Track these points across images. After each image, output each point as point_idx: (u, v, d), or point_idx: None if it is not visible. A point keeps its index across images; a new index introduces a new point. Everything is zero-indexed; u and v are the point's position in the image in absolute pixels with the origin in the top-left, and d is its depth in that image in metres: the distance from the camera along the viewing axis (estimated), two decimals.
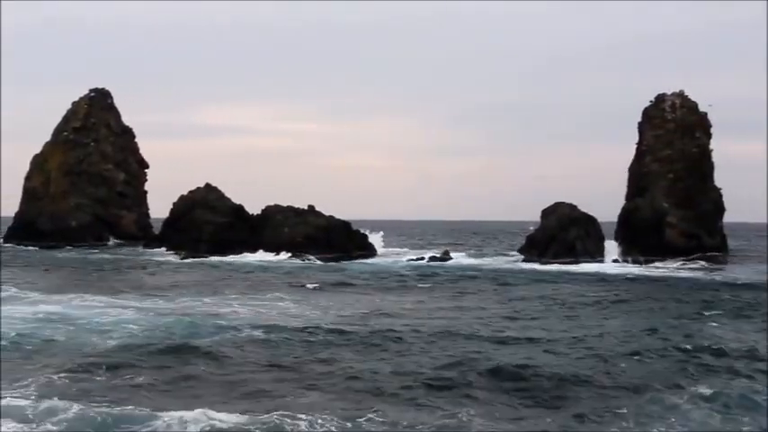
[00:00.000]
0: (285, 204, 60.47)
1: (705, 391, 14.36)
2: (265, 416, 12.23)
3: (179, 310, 24.82)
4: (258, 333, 20.25)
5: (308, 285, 35.07)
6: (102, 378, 14.94)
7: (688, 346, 19.00)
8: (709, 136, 62.19)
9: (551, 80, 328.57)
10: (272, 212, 59.26)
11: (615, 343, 19.88)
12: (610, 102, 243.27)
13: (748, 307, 27.95)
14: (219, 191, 60.49)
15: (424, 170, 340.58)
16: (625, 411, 13.16)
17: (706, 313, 26.12)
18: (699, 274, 44.52)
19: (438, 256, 59.43)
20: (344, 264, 51.16)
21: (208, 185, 61.23)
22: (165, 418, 11.98)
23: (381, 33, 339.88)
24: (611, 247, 56.21)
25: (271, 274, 41.55)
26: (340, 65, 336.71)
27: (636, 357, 17.82)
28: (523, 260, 55.19)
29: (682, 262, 53.01)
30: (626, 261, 54.06)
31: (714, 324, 23.43)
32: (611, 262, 53.63)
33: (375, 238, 63.63)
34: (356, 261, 53.95)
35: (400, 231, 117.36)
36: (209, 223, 57.60)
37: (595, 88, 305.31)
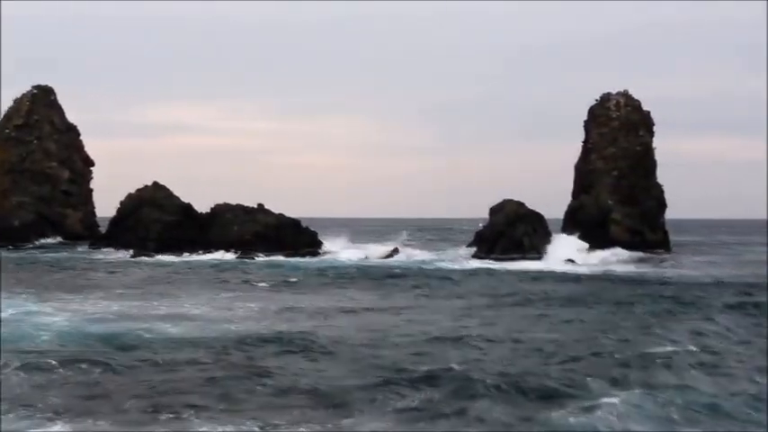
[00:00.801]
0: (234, 203, 60.27)
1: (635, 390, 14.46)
2: None
3: (107, 313, 23.98)
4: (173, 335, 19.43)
5: (257, 283, 34.85)
6: None
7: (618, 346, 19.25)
8: (652, 134, 63.75)
9: (508, 79, 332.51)
10: (221, 211, 58.94)
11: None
12: (566, 100, 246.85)
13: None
14: (168, 189, 59.89)
15: (377, 168, 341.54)
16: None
17: (638, 310, 26.33)
18: (642, 270, 45.54)
19: (389, 252, 59.82)
20: (294, 262, 51.01)
21: (156, 184, 60.58)
22: None
23: (333, 30, 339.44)
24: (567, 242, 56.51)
25: (213, 273, 40.89)
26: (289, 62, 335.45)
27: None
28: (472, 256, 55.85)
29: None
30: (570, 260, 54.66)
31: (653, 320, 23.53)
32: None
33: (330, 236, 63.71)
34: (305, 259, 53.92)
35: (354, 229, 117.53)
36: (157, 222, 57.04)
37: (550, 87, 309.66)
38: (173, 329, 20.66)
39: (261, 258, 52.86)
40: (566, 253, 52.40)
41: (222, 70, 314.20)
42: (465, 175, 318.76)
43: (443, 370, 15.68)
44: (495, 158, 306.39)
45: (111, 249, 58.05)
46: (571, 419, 12.33)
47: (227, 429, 11.74)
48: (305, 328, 21.38)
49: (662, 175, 63.90)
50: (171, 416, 12.44)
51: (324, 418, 12.56)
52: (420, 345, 18.98)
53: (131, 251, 54.33)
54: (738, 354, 18.27)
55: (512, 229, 56.91)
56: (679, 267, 47.16)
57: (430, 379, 14.93)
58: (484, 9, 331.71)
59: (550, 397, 13.75)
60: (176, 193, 60.28)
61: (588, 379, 14.95)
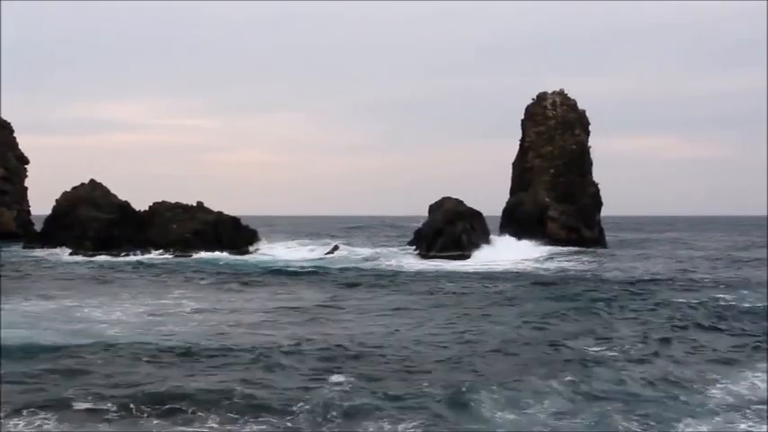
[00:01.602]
0: (174, 201, 59.84)
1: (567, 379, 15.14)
2: None
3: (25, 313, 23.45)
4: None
5: (200, 282, 34.76)
6: None
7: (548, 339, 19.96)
8: (587, 133, 64.95)
9: (450, 77, 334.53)
10: (159, 209, 58.41)
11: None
12: (505, 99, 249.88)
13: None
14: (105, 187, 59.15)
15: (317, 165, 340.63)
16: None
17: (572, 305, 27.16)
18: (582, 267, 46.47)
19: (329, 250, 60.03)
20: (232, 260, 50.79)
21: (92, 182, 59.77)
22: None
23: (275, 28, 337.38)
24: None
25: (146, 273, 40.22)
26: (229, 59, 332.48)
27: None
28: (410, 253, 56.33)
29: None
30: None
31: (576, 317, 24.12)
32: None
33: (270, 234, 63.54)
34: (243, 257, 53.77)
35: (293, 227, 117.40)
36: (94, 220, 56.25)
37: (491, 86, 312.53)
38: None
39: (198, 256, 52.58)
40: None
41: (154, 67, 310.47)
42: (406, 173, 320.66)
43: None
44: (437, 156, 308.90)
45: (44, 248, 57.10)
46: None
47: None
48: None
49: (597, 173, 65.29)
50: None
51: None
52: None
53: (69, 250, 53.62)
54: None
55: (451, 227, 57.56)
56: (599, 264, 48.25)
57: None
58: (430, 9, 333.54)
59: None
60: (114, 191, 59.68)
61: None
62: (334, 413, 12.64)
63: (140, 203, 60.03)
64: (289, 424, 12.27)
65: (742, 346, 19.22)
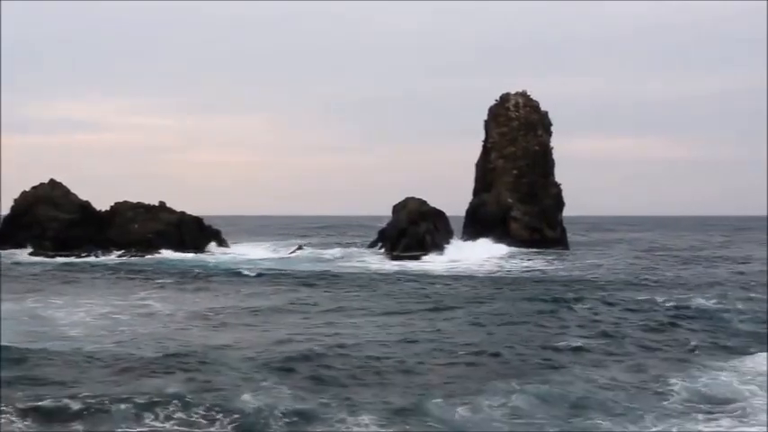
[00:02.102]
0: (136, 201, 59.45)
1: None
2: None
3: None
4: None
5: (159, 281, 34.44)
6: None
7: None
8: (550, 134, 65.57)
9: (422, 77, 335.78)
10: (120, 209, 58.02)
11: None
12: (469, 99, 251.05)
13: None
14: (65, 187, 58.47)
15: (283, 166, 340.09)
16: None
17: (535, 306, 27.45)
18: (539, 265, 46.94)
19: (293, 250, 60.22)
20: (193, 260, 50.49)
21: (52, 181, 59.06)
22: None
23: (248, 25, 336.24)
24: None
25: (104, 274, 39.58)
26: (199, 57, 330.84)
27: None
28: (373, 253, 56.53)
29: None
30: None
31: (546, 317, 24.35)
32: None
33: (234, 234, 63.37)
34: (205, 257, 53.56)
35: (259, 227, 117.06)
36: (54, 220, 55.64)
37: (464, 87, 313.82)
38: None
39: (159, 256, 52.25)
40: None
41: (119, 66, 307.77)
42: (372, 173, 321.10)
43: None
44: (403, 156, 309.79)
45: (7, 249, 56.36)
46: None
47: None
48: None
49: (559, 174, 65.88)
50: None
51: None
52: None
53: (29, 250, 53.04)
54: None
55: (414, 227, 57.85)
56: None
57: None
58: (404, 8, 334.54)
59: None
60: (75, 191, 59.02)
61: None
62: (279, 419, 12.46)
63: (102, 203, 59.52)
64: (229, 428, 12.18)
65: (696, 346, 19.55)
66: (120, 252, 53.29)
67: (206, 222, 61.48)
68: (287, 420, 12.21)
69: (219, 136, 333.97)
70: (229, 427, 11.99)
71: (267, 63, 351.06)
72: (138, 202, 59.10)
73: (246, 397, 13.14)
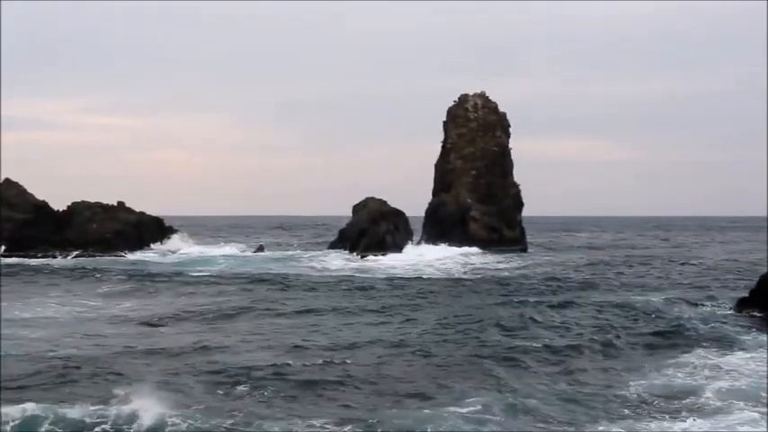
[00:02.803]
0: (94, 201, 58.91)
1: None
2: None
3: None
4: None
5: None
6: None
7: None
8: (508, 135, 66.18)
9: (370, 78, 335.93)
10: (78, 208, 57.44)
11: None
12: (427, 100, 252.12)
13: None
14: (20, 186, 57.65)
15: (243, 166, 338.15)
16: None
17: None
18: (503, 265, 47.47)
19: (254, 250, 60.08)
20: (151, 261, 50.19)
21: (7, 180, 58.21)
22: None
23: (194, 23, 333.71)
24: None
25: (57, 275, 38.97)
26: (148, 56, 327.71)
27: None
28: (333, 253, 56.51)
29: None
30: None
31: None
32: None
33: (194, 234, 63.12)
34: (165, 257, 53.25)
35: (220, 227, 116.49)
36: (9, 220, 54.86)
37: (412, 86, 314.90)
38: None
39: (117, 257, 51.83)
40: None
41: (75, 65, 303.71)
42: (329, 173, 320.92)
43: None
44: (360, 156, 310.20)
45: None
46: None
47: None
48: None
49: (518, 175, 66.54)
50: None
51: None
52: None
53: None
54: None
55: (374, 227, 58.15)
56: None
57: None
58: (350, 7, 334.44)
59: None
60: (31, 190, 58.24)
61: None
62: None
63: (59, 203, 58.75)
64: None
65: (648, 345, 20.16)
66: (77, 252, 52.72)
67: (166, 223, 61.25)
68: None
69: (178, 136, 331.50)
70: None
71: (224, 63, 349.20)
72: (97, 202, 58.61)
73: None
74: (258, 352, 18.06)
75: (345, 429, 12.08)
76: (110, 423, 12.00)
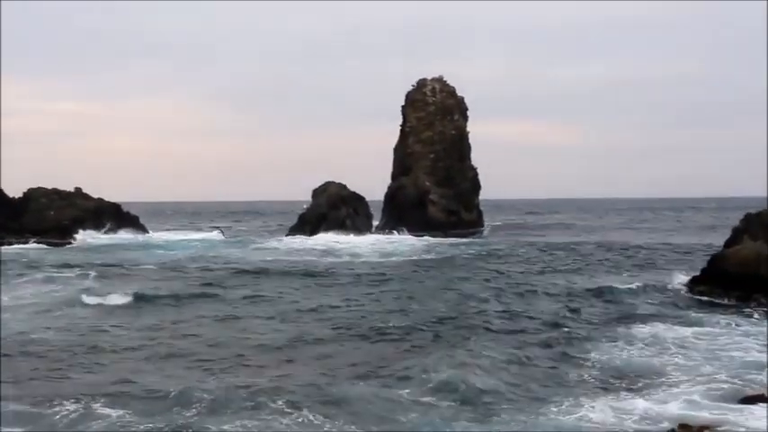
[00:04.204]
0: (50, 187, 58.26)
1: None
2: None
3: None
4: None
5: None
6: None
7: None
8: (465, 118, 66.84)
9: (324, 62, 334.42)
10: (34, 195, 56.79)
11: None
12: (381, 84, 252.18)
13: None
14: None
15: (193, 151, 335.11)
16: None
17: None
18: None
19: (213, 234, 60.27)
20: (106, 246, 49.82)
21: None
22: None
23: (148, 8, 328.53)
24: None
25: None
26: (97, 41, 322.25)
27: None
28: (291, 237, 56.71)
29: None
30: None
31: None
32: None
33: (153, 220, 62.77)
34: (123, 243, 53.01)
35: (179, 213, 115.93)
36: None
37: (371, 71, 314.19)
38: None
39: (76, 243, 51.47)
40: None
41: (24, 50, 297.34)
42: (285, 157, 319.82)
43: None
44: (317, 141, 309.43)
45: None
46: None
47: None
48: None
49: (476, 158, 67.28)
50: None
51: None
52: None
53: None
54: None
55: (335, 212, 58.53)
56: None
57: None
58: None
59: None
60: None
61: None
62: None
63: (13, 191, 57.86)
64: None
65: (599, 323, 20.95)
66: (35, 239, 52.22)
67: (124, 209, 60.93)
68: None
69: (134, 121, 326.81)
70: None
71: (177, 47, 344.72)
72: (54, 189, 57.99)
73: None
74: None
75: None
76: None
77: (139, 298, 24.57)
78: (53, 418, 12.27)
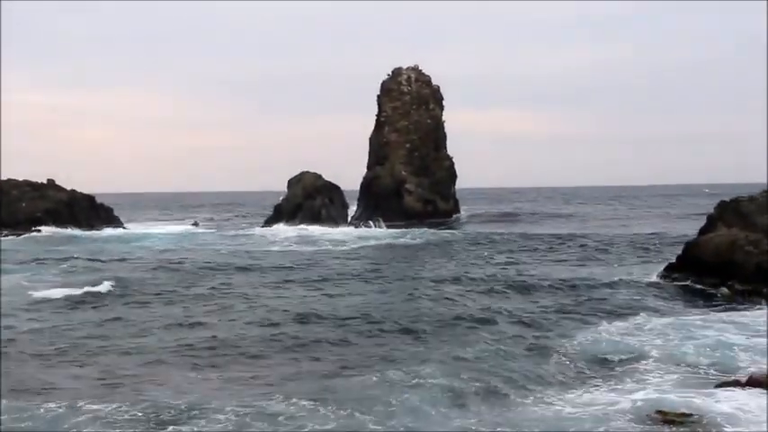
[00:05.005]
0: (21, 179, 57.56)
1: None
2: None
3: None
4: None
5: None
6: None
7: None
8: (442, 108, 66.91)
9: (306, 51, 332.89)
10: (4, 187, 56.06)
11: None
12: (356, 74, 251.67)
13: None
14: None
15: (171, 142, 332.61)
16: None
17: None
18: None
19: (190, 226, 59.95)
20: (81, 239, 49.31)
21: None
22: None
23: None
24: None
25: None
26: (72, 31, 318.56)
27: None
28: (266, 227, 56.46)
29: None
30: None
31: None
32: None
33: (129, 212, 62.19)
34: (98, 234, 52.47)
35: (154, 204, 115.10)
36: None
37: (343, 61, 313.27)
38: None
39: (47, 234, 50.81)
40: None
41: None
42: (263, 149, 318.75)
43: None
44: (294, 132, 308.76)
45: None
46: None
47: None
48: None
49: (452, 147, 67.38)
50: None
51: None
52: None
53: None
54: None
55: (310, 201, 58.39)
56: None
57: None
58: None
59: None
60: None
61: None
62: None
63: None
64: None
65: (571, 312, 21.08)
66: (6, 231, 51.56)
67: (98, 200, 60.26)
68: None
69: (107, 112, 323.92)
70: None
71: (152, 40, 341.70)
72: (25, 180, 57.31)
73: None
74: None
75: None
76: None
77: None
78: None
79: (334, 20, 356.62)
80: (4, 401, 12.22)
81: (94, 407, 11.93)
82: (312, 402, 12.18)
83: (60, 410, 11.84)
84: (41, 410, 11.83)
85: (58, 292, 23.81)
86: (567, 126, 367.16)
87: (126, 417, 11.57)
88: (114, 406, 11.96)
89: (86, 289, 24.24)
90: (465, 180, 69.10)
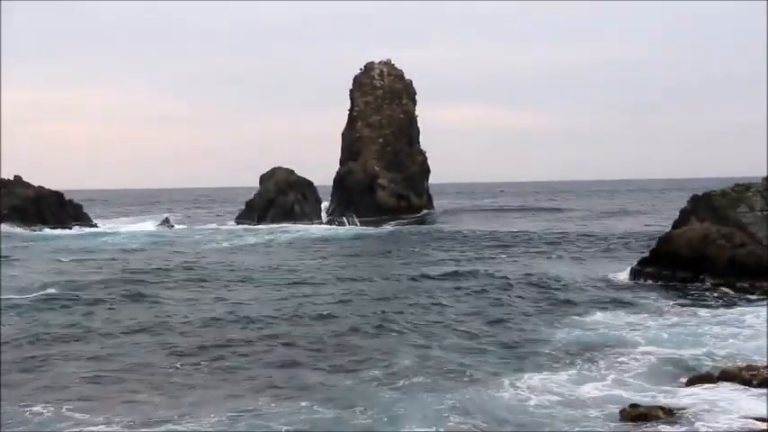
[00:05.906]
0: None
1: None
2: None
3: None
4: None
5: None
6: None
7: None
8: (414, 102, 66.52)
9: (279, 48, 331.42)
10: None
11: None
12: (327, 70, 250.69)
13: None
14: None
15: (146, 138, 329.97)
16: None
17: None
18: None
19: (159, 223, 58.85)
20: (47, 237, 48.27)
21: None
22: None
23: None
24: None
25: None
26: (46, 28, 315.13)
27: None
28: (239, 224, 55.87)
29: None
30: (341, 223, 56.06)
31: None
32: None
33: (97, 209, 61.15)
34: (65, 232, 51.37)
35: (127, 201, 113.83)
36: None
37: (315, 57, 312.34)
38: None
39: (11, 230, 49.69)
40: None
41: None
42: (235, 144, 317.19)
43: None
44: (267, 127, 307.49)
45: None
46: None
47: None
48: None
49: (425, 142, 67.08)
50: None
51: None
52: None
53: None
54: None
55: (283, 197, 57.87)
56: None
57: None
58: None
59: None
60: None
61: None
62: None
63: None
64: None
65: (543, 308, 20.85)
66: None
67: (66, 197, 59.19)
68: None
69: (78, 108, 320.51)
70: None
71: (121, 36, 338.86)
72: None
73: None
74: None
75: None
76: None
77: None
78: None
79: (306, 19, 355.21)
80: None
81: None
82: None
83: None
84: None
85: None
86: (568, 121, 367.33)
87: None
88: None
89: None
90: (460, 175, 68.80)
